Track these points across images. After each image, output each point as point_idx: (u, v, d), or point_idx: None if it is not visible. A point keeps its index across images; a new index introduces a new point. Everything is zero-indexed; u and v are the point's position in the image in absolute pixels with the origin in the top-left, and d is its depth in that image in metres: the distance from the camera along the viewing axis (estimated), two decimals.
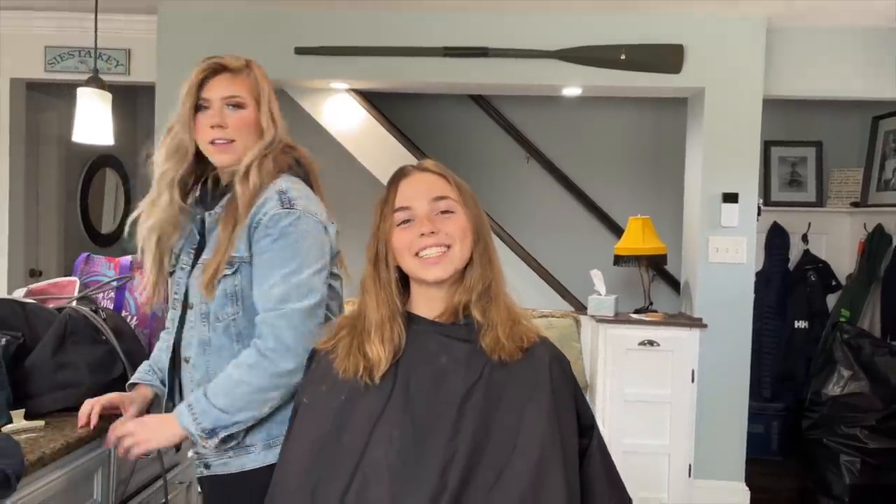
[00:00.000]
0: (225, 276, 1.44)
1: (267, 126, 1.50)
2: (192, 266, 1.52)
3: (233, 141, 1.48)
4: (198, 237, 1.53)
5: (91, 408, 1.54)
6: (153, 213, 1.49)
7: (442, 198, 1.28)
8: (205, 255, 1.49)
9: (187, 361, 1.52)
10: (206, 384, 1.44)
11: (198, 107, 1.49)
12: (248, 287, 1.45)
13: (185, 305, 1.52)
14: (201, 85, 1.49)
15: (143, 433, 1.44)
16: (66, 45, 3.93)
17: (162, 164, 1.49)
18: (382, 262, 1.29)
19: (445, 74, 3.66)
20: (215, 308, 1.46)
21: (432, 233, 1.25)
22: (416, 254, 1.26)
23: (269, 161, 1.48)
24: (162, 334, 1.68)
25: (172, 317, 1.56)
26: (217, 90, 1.48)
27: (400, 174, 1.32)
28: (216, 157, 1.50)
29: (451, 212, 1.28)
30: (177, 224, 1.51)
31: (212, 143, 1.48)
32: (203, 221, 1.52)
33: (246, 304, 1.45)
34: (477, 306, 1.27)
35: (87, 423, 1.52)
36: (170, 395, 1.58)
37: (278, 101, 1.56)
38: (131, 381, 1.62)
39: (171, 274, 1.56)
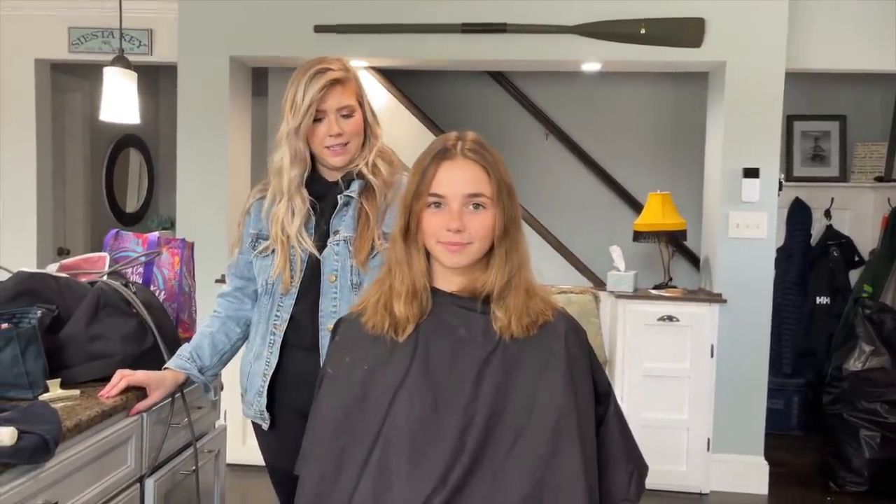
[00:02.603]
0: (382, 251, 1.61)
1: (372, 123, 1.69)
2: (322, 243, 1.66)
3: (347, 143, 1.65)
4: (313, 220, 1.67)
5: (118, 381, 1.59)
6: (283, 210, 1.64)
7: (476, 195, 1.30)
8: (345, 234, 1.65)
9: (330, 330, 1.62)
10: None
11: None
12: None
13: (318, 278, 1.64)
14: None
15: None
16: (90, 26, 3.97)
17: (289, 170, 1.64)
18: (413, 234, 1.33)
19: (464, 51, 3.65)
20: (371, 278, 1.59)
21: (458, 231, 1.28)
22: (440, 240, 1.30)
23: (384, 153, 1.69)
24: (208, 319, 1.76)
25: (283, 292, 1.66)
26: (332, 102, 1.62)
27: (443, 154, 1.32)
28: (333, 160, 1.66)
29: (482, 209, 1.30)
30: (305, 216, 1.66)
31: (327, 147, 1.64)
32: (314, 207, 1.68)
33: None
34: (498, 301, 1.30)
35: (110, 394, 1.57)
36: (267, 362, 1.68)
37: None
38: (167, 365, 1.68)
39: (269, 253, 1.67)
